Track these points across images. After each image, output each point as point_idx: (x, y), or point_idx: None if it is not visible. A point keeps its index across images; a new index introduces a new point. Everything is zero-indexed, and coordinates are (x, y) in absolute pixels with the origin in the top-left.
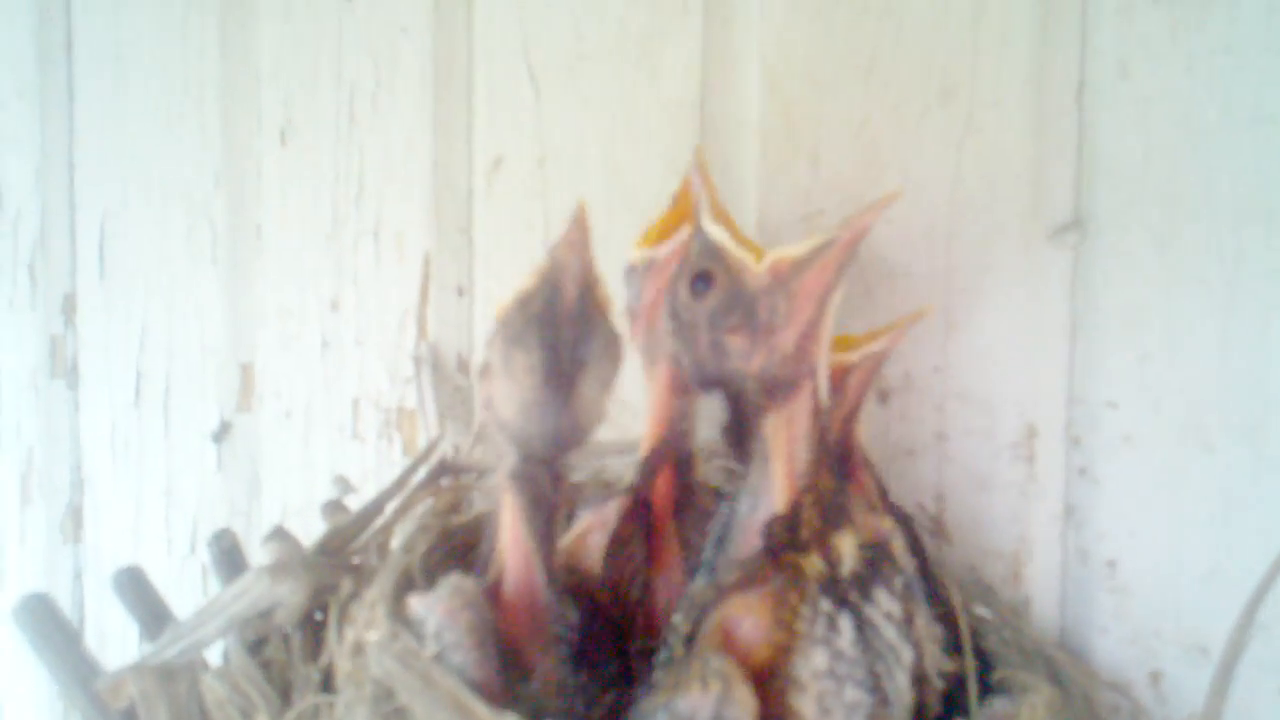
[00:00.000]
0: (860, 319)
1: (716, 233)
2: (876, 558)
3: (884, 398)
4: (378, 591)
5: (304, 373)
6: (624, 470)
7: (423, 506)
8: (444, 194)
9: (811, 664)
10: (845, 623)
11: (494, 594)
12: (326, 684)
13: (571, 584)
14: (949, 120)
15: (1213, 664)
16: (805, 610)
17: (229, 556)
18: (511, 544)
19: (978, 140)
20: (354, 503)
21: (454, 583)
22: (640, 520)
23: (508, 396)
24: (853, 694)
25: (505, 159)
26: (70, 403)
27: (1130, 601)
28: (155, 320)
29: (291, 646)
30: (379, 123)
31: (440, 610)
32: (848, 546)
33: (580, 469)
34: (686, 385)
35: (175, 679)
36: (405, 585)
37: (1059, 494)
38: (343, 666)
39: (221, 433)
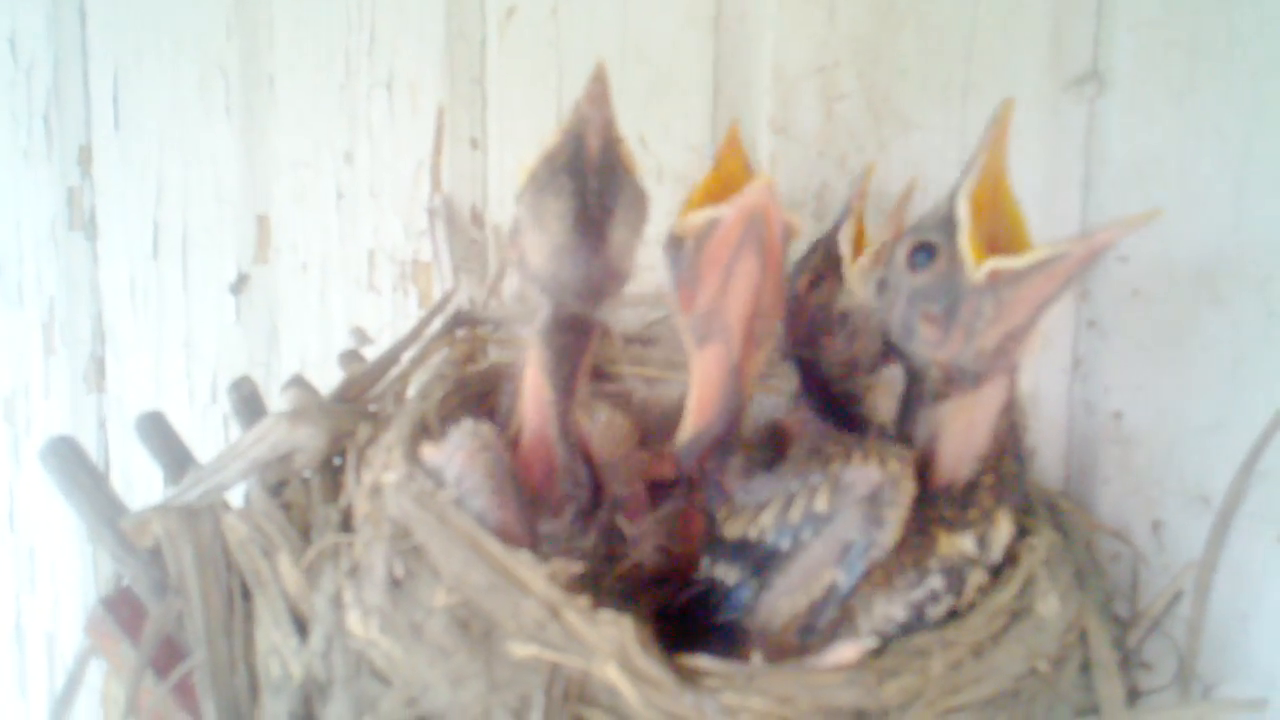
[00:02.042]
0: (875, 174)
1: (962, 211)
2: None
3: None
4: (394, 436)
5: (319, 225)
6: (637, 321)
7: (438, 356)
8: (456, 44)
9: (890, 609)
10: (936, 606)
11: (512, 447)
12: (345, 524)
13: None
14: None
15: (1213, 514)
16: (912, 575)
17: (248, 403)
18: (532, 400)
19: None
20: (371, 354)
21: (470, 428)
22: (681, 505)
23: (539, 245)
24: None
25: (518, 7)
26: (89, 254)
27: (1134, 452)
28: (171, 172)
29: (311, 489)
30: None
31: (460, 456)
32: (1002, 537)
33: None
34: (739, 374)
35: (198, 519)
36: (421, 431)
37: (1067, 346)
38: (360, 507)
39: (239, 284)
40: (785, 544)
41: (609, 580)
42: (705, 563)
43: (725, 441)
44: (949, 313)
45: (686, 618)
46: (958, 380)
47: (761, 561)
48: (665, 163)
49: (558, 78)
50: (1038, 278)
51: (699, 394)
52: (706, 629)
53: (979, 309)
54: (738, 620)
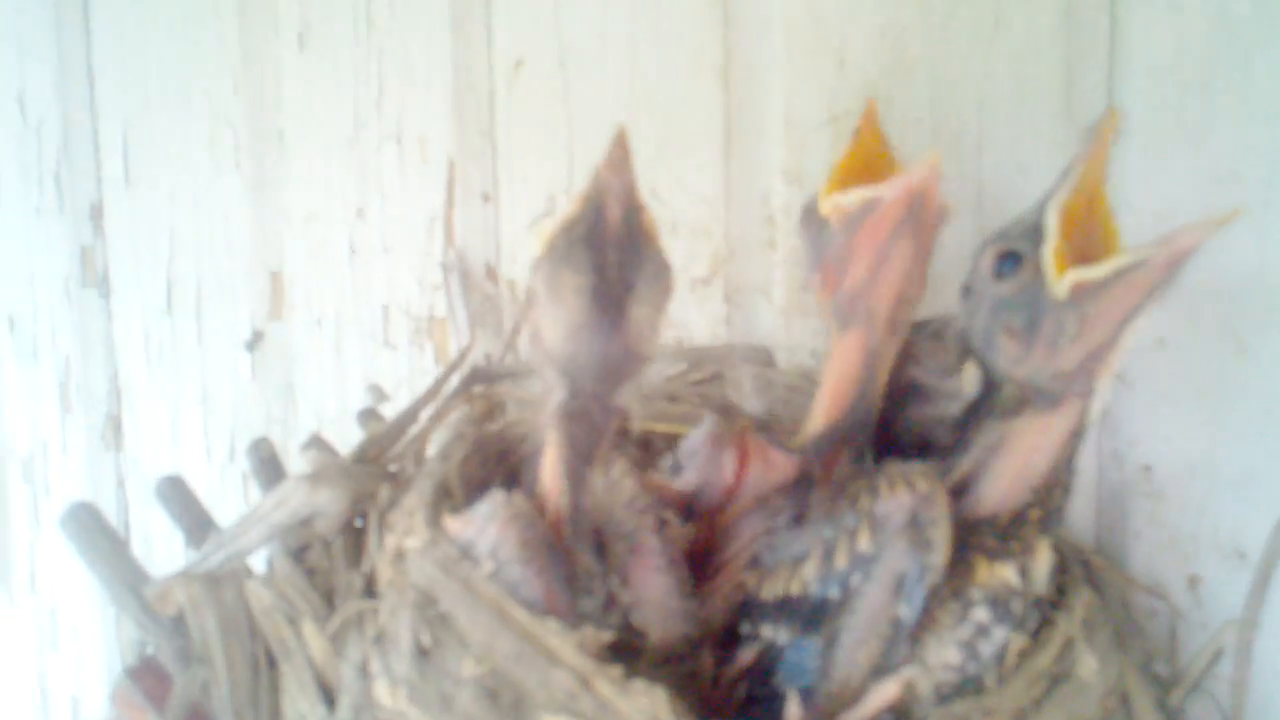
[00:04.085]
0: None
1: (1051, 220)
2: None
3: None
4: (416, 499)
5: (333, 280)
6: (657, 376)
7: (457, 414)
8: (465, 97)
9: (944, 654)
10: (988, 641)
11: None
12: (369, 590)
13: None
14: (977, 18)
15: (1250, 567)
16: (954, 607)
17: (267, 465)
18: (550, 483)
19: (1007, 38)
20: (388, 411)
21: (502, 498)
22: (798, 494)
23: (555, 321)
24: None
25: (526, 60)
26: (104, 311)
27: (1166, 506)
28: (183, 228)
29: (333, 553)
30: (397, 24)
31: (493, 528)
32: (1043, 568)
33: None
34: (878, 361)
35: (222, 586)
36: (443, 494)
37: None
38: (384, 573)
39: (254, 341)
40: (835, 593)
41: (642, 655)
42: (745, 627)
43: (857, 438)
44: (1031, 327)
45: (739, 686)
46: (1034, 400)
47: (811, 616)
48: (678, 215)
49: (567, 130)
50: (1120, 288)
51: (835, 381)
52: (766, 696)
53: (1061, 325)
54: (811, 685)
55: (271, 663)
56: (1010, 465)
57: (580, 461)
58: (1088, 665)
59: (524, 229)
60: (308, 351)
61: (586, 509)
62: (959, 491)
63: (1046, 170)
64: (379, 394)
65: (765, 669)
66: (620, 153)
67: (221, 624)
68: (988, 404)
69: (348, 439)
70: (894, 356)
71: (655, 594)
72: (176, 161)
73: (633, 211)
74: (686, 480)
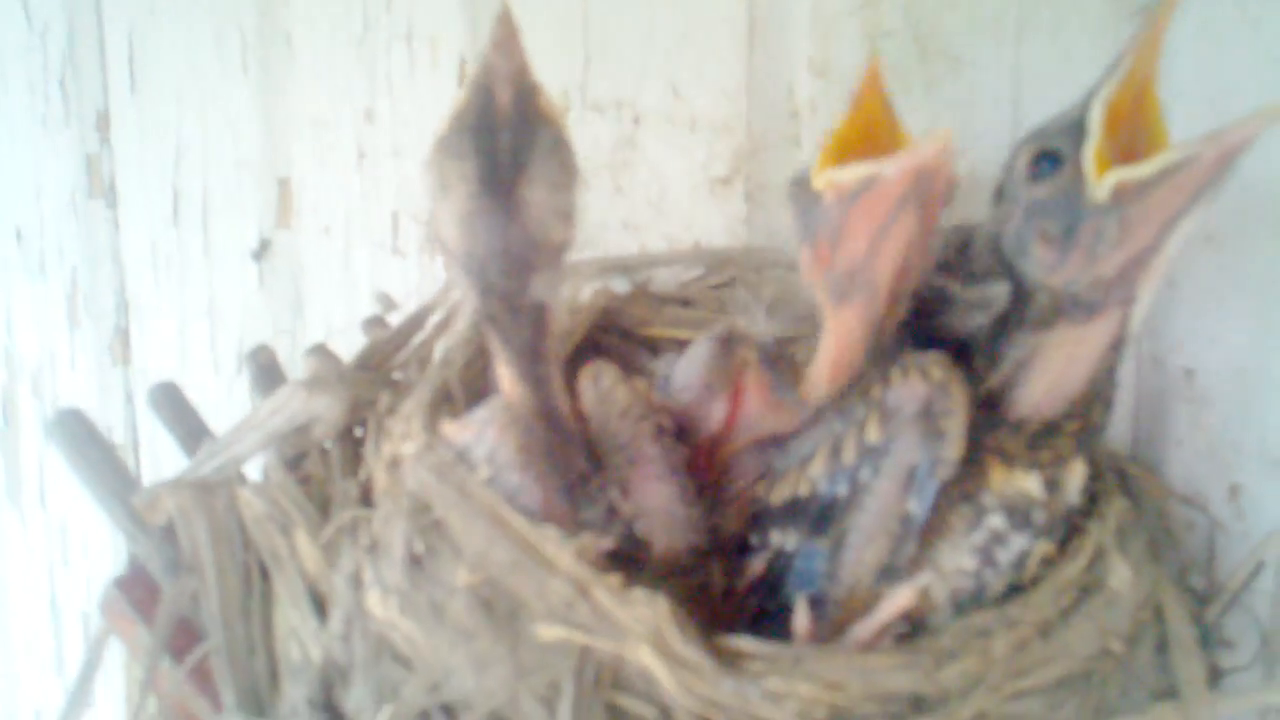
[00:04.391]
0: (920, 115)
1: (1095, 117)
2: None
3: (947, 196)
4: (414, 404)
5: (341, 187)
6: (672, 280)
7: (464, 321)
8: None
9: (958, 559)
10: (1005, 549)
11: None
12: (365, 498)
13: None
14: None
15: None
16: (966, 511)
17: (267, 373)
18: (511, 394)
19: None
20: (396, 319)
21: (499, 402)
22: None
23: (448, 216)
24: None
25: None
26: (110, 222)
27: (1208, 412)
28: (190, 135)
29: (330, 461)
30: None
31: (490, 431)
32: (1076, 479)
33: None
34: (881, 331)
35: (213, 494)
36: (443, 398)
37: None
38: (380, 480)
39: (261, 250)
40: (843, 490)
41: (646, 565)
42: (755, 537)
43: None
44: (1068, 233)
45: (751, 598)
46: (1069, 310)
47: (820, 516)
48: (699, 111)
49: (583, 25)
50: (1165, 189)
51: (835, 355)
52: (776, 607)
53: (1101, 230)
54: (819, 591)
55: (264, 573)
56: (1044, 379)
57: (529, 362)
58: (1120, 575)
59: None
60: (316, 260)
61: (563, 411)
62: (986, 406)
63: (1093, 57)
64: (388, 302)
65: (775, 579)
66: (506, 31)
67: (212, 533)
68: (1019, 315)
69: (356, 349)
70: (897, 324)
71: (658, 502)
72: (183, 67)
73: (525, 93)
74: (675, 401)
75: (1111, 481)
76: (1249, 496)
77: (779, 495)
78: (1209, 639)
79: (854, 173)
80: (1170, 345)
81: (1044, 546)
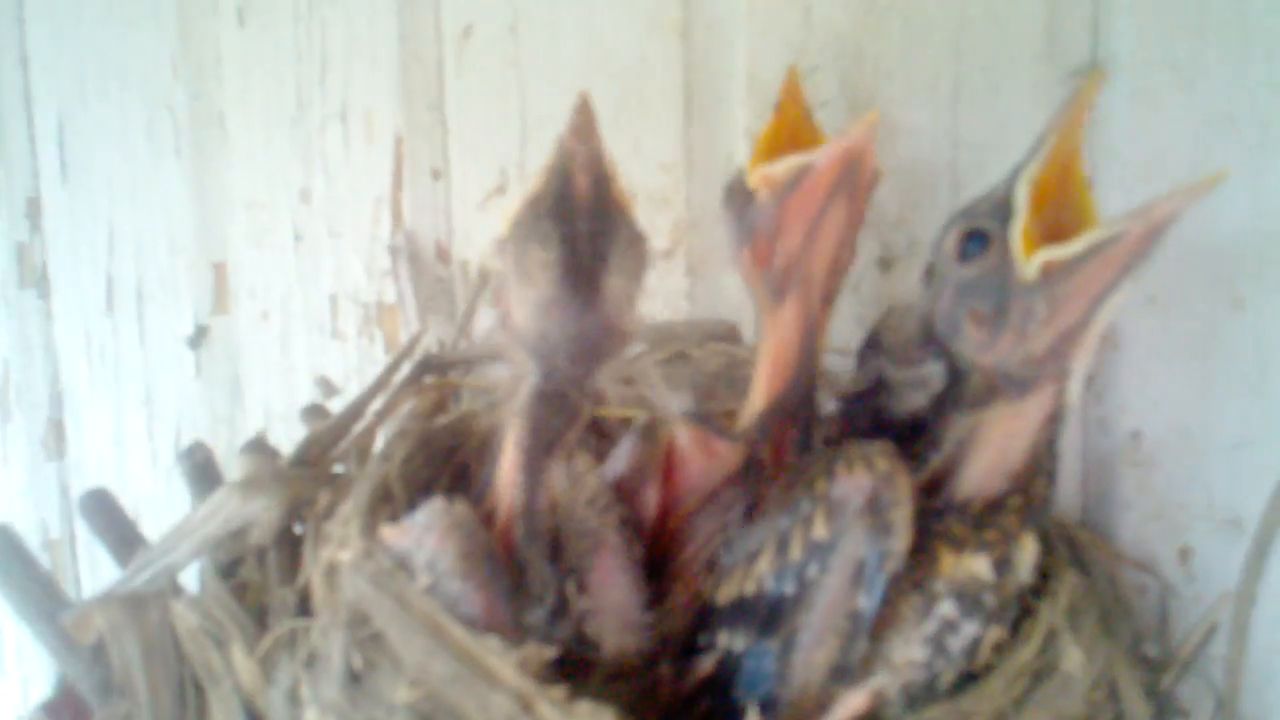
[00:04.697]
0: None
1: (1021, 196)
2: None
3: (886, 265)
4: (352, 507)
5: (278, 269)
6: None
7: (406, 407)
8: (412, 68)
9: (909, 652)
10: (956, 637)
11: (487, 522)
12: (305, 605)
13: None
14: None
15: (1246, 538)
16: (916, 600)
17: (202, 470)
18: (509, 479)
19: None
20: (337, 405)
21: (440, 505)
22: (748, 484)
23: (524, 301)
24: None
25: (475, 26)
26: (42, 312)
27: (1156, 474)
28: (122, 221)
29: (267, 566)
30: None
31: (430, 538)
32: (1028, 557)
33: None
34: (816, 330)
35: (145, 609)
36: (382, 499)
37: None
38: (317, 589)
39: (198, 337)
40: (791, 588)
41: (594, 668)
42: (702, 638)
43: (801, 414)
44: (998, 312)
45: (700, 701)
46: (1003, 388)
47: (769, 615)
48: (637, 183)
49: (520, 99)
50: (1093, 266)
51: (774, 357)
52: (726, 711)
53: (1031, 309)
54: (770, 693)
55: (199, 690)
56: (984, 458)
57: (540, 454)
58: (1073, 658)
59: (476, 206)
60: (253, 345)
61: (542, 507)
62: (930, 489)
63: (1028, 121)
64: (328, 387)
65: (724, 680)
66: (585, 118)
67: (144, 650)
68: (955, 395)
69: (297, 436)
70: (827, 328)
71: (615, 596)
72: (114, 151)
73: (602, 180)
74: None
75: (1062, 553)
76: (1199, 559)
77: (725, 594)
78: (1165, 709)
79: (786, 165)
80: (1116, 408)
81: (996, 632)
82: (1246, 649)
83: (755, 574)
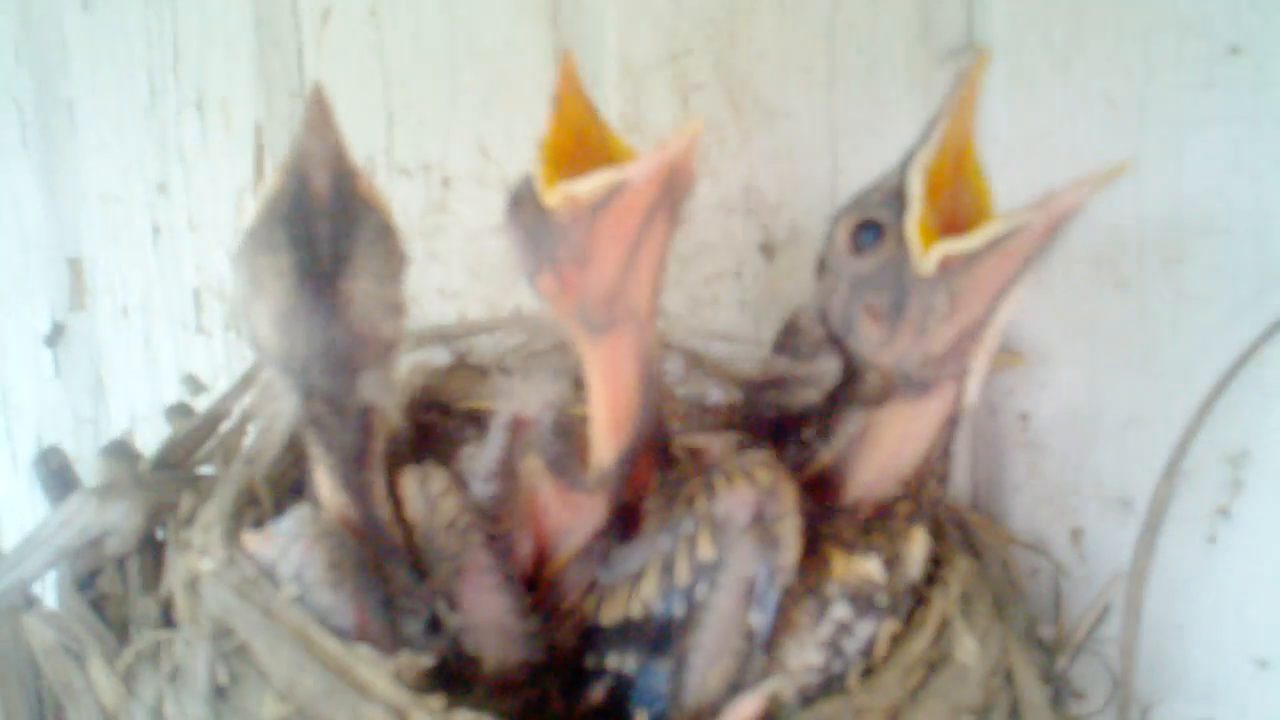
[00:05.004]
0: (736, 167)
1: (915, 186)
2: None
3: (769, 252)
4: (214, 511)
5: (137, 264)
6: (493, 349)
7: (283, 423)
8: (270, 55)
9: (805, 656)
10: (852, 638)
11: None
12: (169, 615)
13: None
14: None
15: (1136, 517)
16: (810, 605)
17: (59, 477)
18: (330, 502)
19: None
20: (205, 402)
21: (308, 512)
22: (617, 530)
23: (263, 315)
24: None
25: (334, 9)
26: None
27: (1045, 456)
28: None
29: (128, 575)
30: None
31: (297, 548)
32: (917, 552)
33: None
34: (652, 357)
35: None
36: (247, 502)
37: None
38: (179, 600)
39: (55, 335)
40: (680, 609)
41: (477, 680)
42: (591, 660)
43: (657, 443)
44: (896, 307)
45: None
46: (900, 388)
47: (658, 638)
48: (509, 171)
49: (383, 86)
50: (993, 260)
51: (612, 401)
52: None
53: (930, 304)
54: (663, 711)
55: (57, 708)
56: (876, 456)
57: (352, 469)
58: (967, 648)
59: None
60: (115, 343)
61: (383, 519)
62: (818, 485)
63: (905, 102)
64: (195, 385)
65: (617, 702)
66: (320, 112)
67: None
68: (849, 391)
69: (163, 438)
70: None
71: (489, 615)
72: None
73: (343, 177)
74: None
75: (953, 537)
76: (1090, 539)
77: (609, 615)
78: (1061, 694)
79: (595, 182)
80: (1004, 391)
81: (890, 626)
82: (1139, 629)
83: (641, 597)
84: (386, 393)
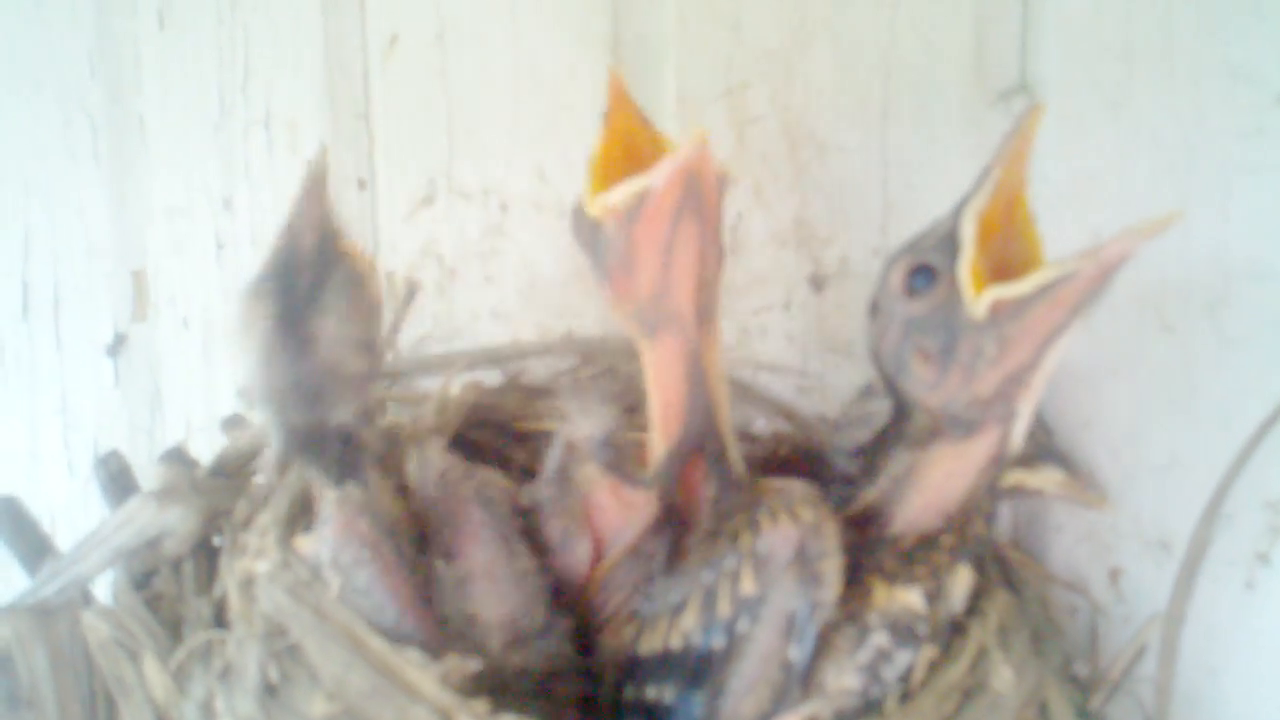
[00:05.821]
0: (789, 201)
1: (967, 231)
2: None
3: (819, 285)
4: (270, 516)
5: (199, 277)
6: (545, 371)
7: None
8: (337, 77)
9: (843, 680)
10: (891, 665)
11: None
12: (221, 617)
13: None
14: None
15: (1175, 559)
16: (850, 632)
17: (118, 480)
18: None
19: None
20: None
21: (337, 496)
22: (668, 531)
23: (250, 354)
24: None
25: (401, 35)
26: None
27: None
28: (38, 225)
29: (182, 577)
30: (263, 1)
31: (331, 530)
32: (961, 587)
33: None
34: (701, 357)
35: (54, 619)
36: (300, 508)
37: None
38: (233, 600)
39: (116, 345)
40: (720, 642)
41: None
42: (629, 691)
43: (707, 445)
44: (946, 350)
45: None
46: (947, 429)
47: (697, 669)
48: (566, 195)
49: (446, 109)
50: (1043, 306)
51: (663, 399)
52: None
53: (979, 347)
54: None
55: (110, 703)
56: (921, 496)
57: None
58: (1003, 677)
59: (403, 217)
60: (174, 355)
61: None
62: (862, 520)
63: (957, 141)
64: (249, 398)
65: None
66: (314, 180)
67: (53, 662)
68: (898, 431)
69: (218, 449)
70: (718, 345)
71: (482, 558)
72: (30, 152)
73: (327, 237)
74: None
75: (993, 572)
76: (1129, 579)
77: (647, 645)
78: None
79: (623, 191)
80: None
81: (929, 652)
82: (1175, 670)
83: (681, 628)
84: (362, 421)
